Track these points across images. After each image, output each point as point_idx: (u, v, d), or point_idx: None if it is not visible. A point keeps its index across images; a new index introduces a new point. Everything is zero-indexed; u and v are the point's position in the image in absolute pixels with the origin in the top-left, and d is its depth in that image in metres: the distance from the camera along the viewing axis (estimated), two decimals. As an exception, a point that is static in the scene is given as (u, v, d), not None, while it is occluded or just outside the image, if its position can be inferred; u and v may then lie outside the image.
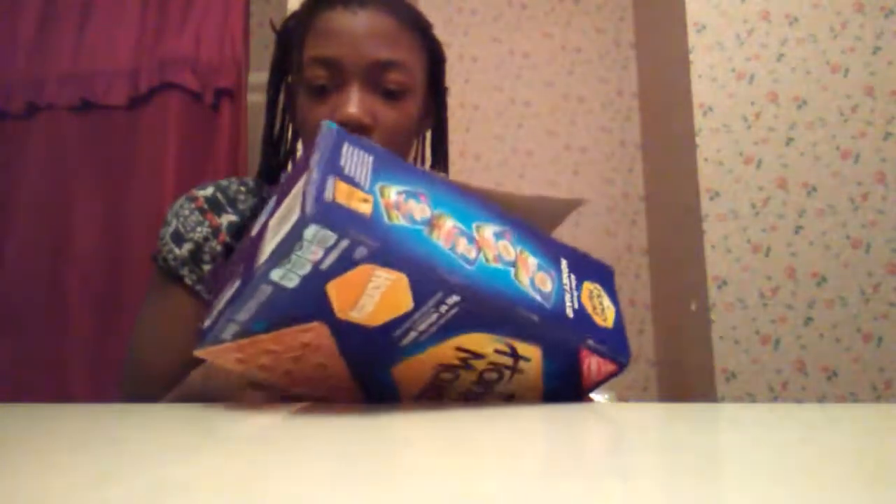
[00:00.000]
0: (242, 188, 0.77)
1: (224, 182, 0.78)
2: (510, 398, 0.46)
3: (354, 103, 0.66)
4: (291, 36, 0.73)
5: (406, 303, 0.39)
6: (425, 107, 0.77)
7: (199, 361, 0.73)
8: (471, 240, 0.41)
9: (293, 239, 0.35)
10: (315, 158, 0.38)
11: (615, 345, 0.45)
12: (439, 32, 2.78)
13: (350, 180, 0.38)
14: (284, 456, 0.23)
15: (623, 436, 0.28)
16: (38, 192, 1.72)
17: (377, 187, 0.39)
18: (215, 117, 1.73)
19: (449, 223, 0.41)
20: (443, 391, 0.45)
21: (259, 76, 1.88)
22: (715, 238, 1.96)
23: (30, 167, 1.73)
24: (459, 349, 0.42)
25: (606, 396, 2.19)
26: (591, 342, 0.44)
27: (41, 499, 0.16)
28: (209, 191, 0.76)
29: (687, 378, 2.19)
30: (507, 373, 0.44)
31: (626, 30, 2.79)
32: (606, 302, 0.47)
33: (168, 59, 1.74)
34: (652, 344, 2.57)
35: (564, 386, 0.45)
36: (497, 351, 0.42)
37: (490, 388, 0.45)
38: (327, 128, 0.41)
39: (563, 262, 0.47)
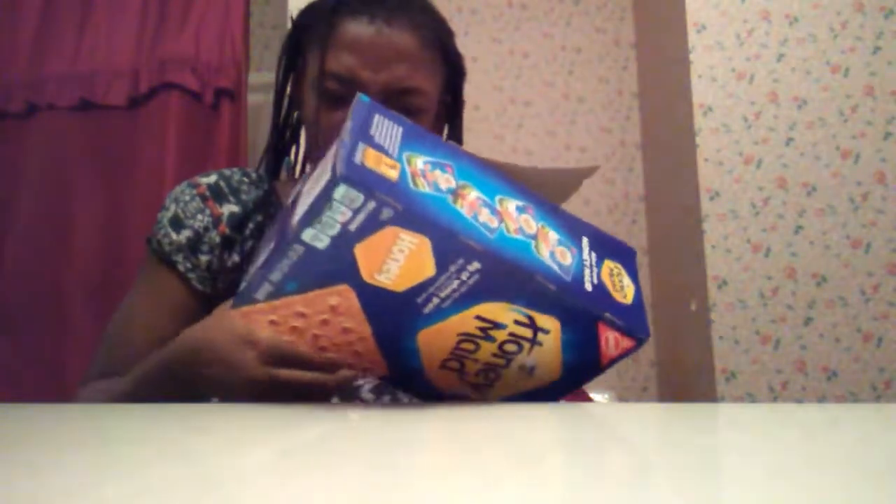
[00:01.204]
0: (246, 179, 0.76)
1: (227, 171, 0.77)
2: (531, 371, 0.46)
3: None
4: (310, 34, 0.72)
5: (429, 268, 0.40)
6: (437, 119, 0.77)
7: None
8: (493, 211, 0.42)
9: (324, 199, 0.38)
10: (347, 127, 0.40)
11: (634, 321, 0.45)
12: (439, 32, 2.77)
13: (379, 147, 0.40)
14: (283, 456, 0.23)
15: (623, 436, 0.28)
16: (38, 192, 1.72)
17: (405, 156, 0.41)
18: (215, 117, 1.73)
19: (473, 194, 0.42)
20: (464, 362, 0.46)
21: (259, 76, 1.89)
22: (715, 238, 1.96)
23: (30, 167, 1.73)
24: (480, 318, 0.43)
25: (606, 396, 2.19)
26: (608, 315, 0.44)
27: (40, 499, 0.16)
28: (212, 178, 0.76)
29: (687, 378, 2.19)
30: (527, 345, 0.45)
31: (626, 30, 2.79)
32: (626, 281, 0.48)
33: (168, 59, 1.74)
34: (652, 344, 2.57)
35: (582, 360, 0.46)
36: (517, 322, 0.43)
37: (510, 359, 0.46)
38: (360, 100, 0.43)
39: (585, 240, 0.48)
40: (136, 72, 1.75)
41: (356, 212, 0.38)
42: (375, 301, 0.42)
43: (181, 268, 0.72)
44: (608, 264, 0.48)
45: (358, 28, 0.67)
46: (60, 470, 0.19)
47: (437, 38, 0.71)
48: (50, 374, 1.63)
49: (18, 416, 0.35)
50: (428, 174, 0.41)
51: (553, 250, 0.44)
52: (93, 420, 0.34)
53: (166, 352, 0.59)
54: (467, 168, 0.44)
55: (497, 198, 0.44)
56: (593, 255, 0.47)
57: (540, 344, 0.45)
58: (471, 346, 0.45)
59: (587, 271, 0.45)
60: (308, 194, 0.40)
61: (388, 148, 0.40)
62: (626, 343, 0.45)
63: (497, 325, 0.43)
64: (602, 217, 2.69)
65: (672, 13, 2.21)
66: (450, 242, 0.39)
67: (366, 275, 0.41)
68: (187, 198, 0.74)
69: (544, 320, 0.43)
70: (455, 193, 0.41)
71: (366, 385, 0.66)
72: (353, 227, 0.38)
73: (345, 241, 0.39)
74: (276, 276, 0.41)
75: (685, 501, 0.15)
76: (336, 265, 0.40)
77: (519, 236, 0.43)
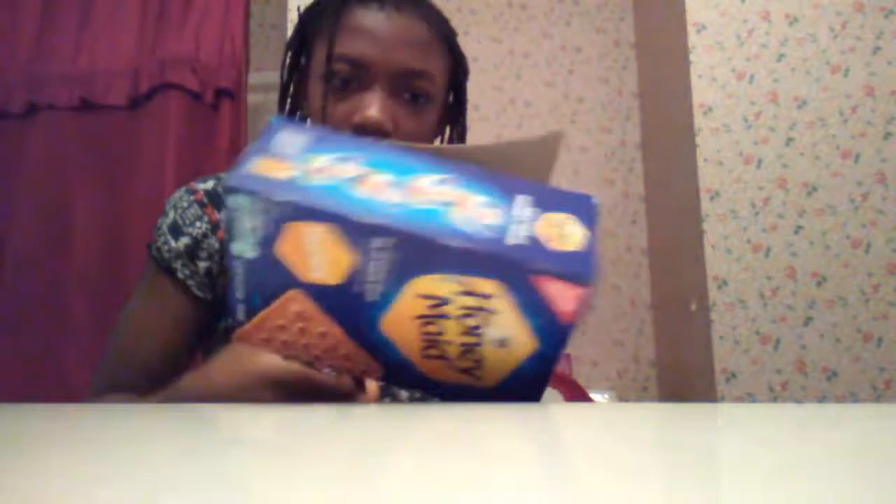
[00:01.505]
0: None
1: (225, 175, 0.77)
2: (504, 343, 0.45)
3: (378, 107, 0.66)
4: (317, 26, 0.72)
5: (346, 255, 0.41)
6: (442, 117, 0.77)
7: (179, 356, 0.74)
8: (402, 188, 0.43)
9: (229, 212, 0.40)
10: (250, 147, 0.43)
11: (573, 266, 0.42)
12: (439, 32, 2.78)
13: (276, 155, 0.43)
14: (284, 457, 0.23)
15: (623, 436, 0.28)
16: (38, 191, 1.72)
17: (304, 157, 0.43)
18: (215, 117, 1.73)
19: (380, 178, 0.43)
20: (441, 347, 0.45)
21: (259, 76, 1.89)
22: (715, 238, 1.96)
23: (30, 167, 1.73)
24: (422, 297, 0.43)
25: (606, 396, 2.19)
26: (538, 265, 0.41)
27: (40, 499, 0.16)
28: (209, 184, 0.76)
29: (687, 378, 2.19)
30: (482, 314, 0.43)
31: (626, 30, 2.79)
32: (574, 228, 0.45)
33: (168, 59, 1.75)
34: (652, 344, 2.57)
35: (547, 321, 0.44)
36: (458, 293, 0.43)
37: (479, 335, 0.45)
38: (269, 121, 0.45)
39: (521, 198, 0.45)
40: (136, 72, 1.75)
41: (256, 216, 0.40)
42: (326, 299, 0.43)
43: (180, 275, 0.72)
44: (550, 217, 0.45)
45: (367, 13, 0.68)
46: (60, 470, 0.19)
47: (444, 31, 0.72)
48: (50, 374, 1.63)
49: (18, 416, 0.35)
50: (328, 169, 0.42)
51: (472, 214, 0.43)
52: (93, 420, 0.34)
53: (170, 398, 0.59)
54: (383, 158, 0.44)
55: (410, 177, 0.44)
56: (529, 210, 0.45)
57: (493, 311, 0.43)
58: (434, 329, 0.44)
59: (514, 227, 0.43)
60: None
61: (286, 155, 0.43)
62: (574, 291, 0.42)
63: (441, 300, 0.43)
64: (602, 217, 2.69)
65: (672, 13, 2.21)
66: (347, 224, 0.40)
67: (301, 275, 0.42)
68: (185, 204, 0.74)
69: (481, 284, 0.42)
70: (356, 180, 0.42)
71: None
72: (262, 231, 0.41)
73: (265, 246, 0.41)
74: (240, 293, 0.44)
75: (685, 501, 0.15)
76: (273, 271, 0.42)
77: (426, 206, 0.42)
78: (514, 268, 0.42)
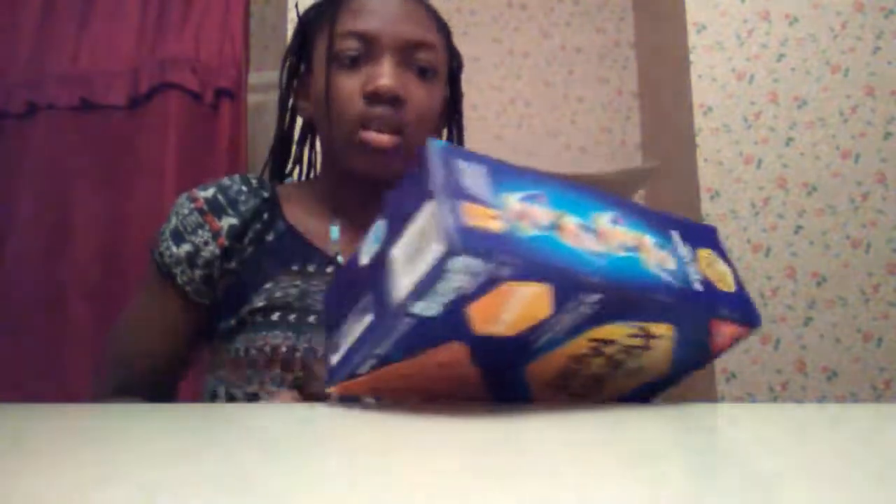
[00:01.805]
0: (244, 188, 0.76)
1: (226, 181, 0.77)
2: (637, 373, 0.45)
3: (389, 75, 0.68)
4: (319, 21, 0.75)
5: (546, 310, 0.38)
6: (443, 111, 0.78)
7: (181, 358, 0.74)
8: (594, 233, 0.41)
9: (436, 272, 0.35)
10: (435, 182, 0.37)
11: (744, 309, 0.44)
12: (439, 32, 2.77)
13: (475, 199, 0.37)
14: (285, 457, 0.23)
15: (623, 436, 0.28)
16: (38, 192, 1.72)
17: (500, 199, 0.38)
18: (215, 117, 1.73)
19: (571, 221, 0.40)
20: (569, 379, 0.45)
21: (259, 76, 1.88)
22: (715, 238, 1.96)
23: (30, 167, 1.73)
24: (593, 339, 0.41)
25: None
26: (723, 312, 0.43)
27: (40, 499, 0.16)
28: (210, 192, 0.76)
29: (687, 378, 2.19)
30: (637, 352, 0.43)
31: (626, 30, 2.79)
32: (721, 266, 0.46)
33: (168, 59, 1.74)
34: (652, 344, 2.57)
35: (692, 356, 0.45)
36: (629, 335, 0.42)
37: (618, 367, 0.44)
38: (434, 147, 0.39)
39: (674, 234, 0.46)
40: (136, 72, 1.75)
41: (472, 276, 0.35)
42: (485, 347, 0.40)
43: (179, 280, 0.73)
44: (702, 254, 0.46)
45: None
46: (60, 470, 0.19)
47: (441, 20, 0.76)
48: (50, 374, 1.63)
49: (18, 416, 0.35)
50: (527, 212, 0.39)
51: (654, 259, 0.42)
52: (93, 420, 0.34)
53: None
54: (553, 191, 0.41)
55: (592, 216, 0.42)
56: (687, 248, 0.45)
57: (651, 349, 0.43)
58: (578, 366, 0.43)
59: (690, 269, 0.44)
60: (410, 261, 0.37)
61: (482, 196, 0.38)
62: (739, 332, 0.44)
63: (609, 342, 0.42)
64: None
65: (672, 13, 2.20)
66: (568, 282, 0.37)
67: (478, 328, 0.38)
68: (186, 211, 0.74)
69: (658, 328, 0.42)
70: (557, 227, 0.39)
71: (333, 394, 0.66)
72: (468, 290, 0.36)
73: (458, 305, 0.37)
74: (381, 350, 0.39)
75: (684, 502, 0.15)
76: (447, 328, 0.38)
77: (625, 254, 0.41)
78: (701, 314, 0.42)
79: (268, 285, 0.70)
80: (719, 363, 1.90)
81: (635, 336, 0.42)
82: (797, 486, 0.16)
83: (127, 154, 1.73)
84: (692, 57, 2.04)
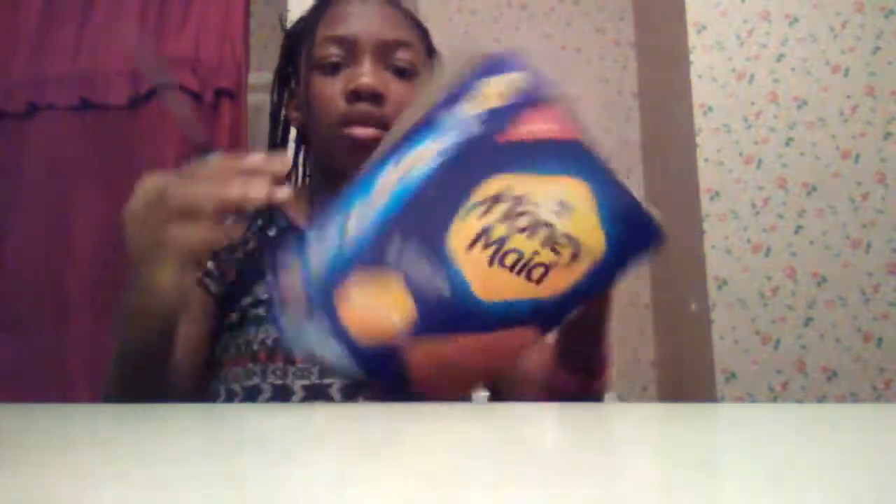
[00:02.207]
0: None
1: None
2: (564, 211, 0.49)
3: (369, 73, 0.71)
4: (303, 28, 0.77)
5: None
6: None
7: (200, 351, 0.74)
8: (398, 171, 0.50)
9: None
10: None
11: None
12: (439, 32, 2.77)
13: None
14: (285, 457, 0.23)
15: (623, 436, 0.28)
16: (38, 192, 1.72)
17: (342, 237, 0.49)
18: (215, 117, 1.73)
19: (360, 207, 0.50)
20: (498, 245, 0.48)
21: (259, 76, 1.88)
22: (715, 238, 1.96)
23: (30, 167, 1.73)
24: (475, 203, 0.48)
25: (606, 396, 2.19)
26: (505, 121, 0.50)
27: (40, 499, 0.16)
28: None
29: (687, 378, 2.19)
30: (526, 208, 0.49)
31: (626, 30, 2.79)
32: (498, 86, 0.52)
33: (168, 59, 1.74)
34: (652, 344, 2.57)
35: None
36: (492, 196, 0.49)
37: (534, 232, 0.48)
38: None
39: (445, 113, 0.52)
40: (136, 72, 1.74)
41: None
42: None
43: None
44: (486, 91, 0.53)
45: (348, 2, 0.74)
46: (60, 470, 0.19)
47: (419, 24, 0.79)
48: (50, 374, 1.63)
49: (18, 416, 0.35)
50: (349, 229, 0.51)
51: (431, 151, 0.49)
52: (93, 420, 0.34)
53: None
54: (365, 183, 0.51)
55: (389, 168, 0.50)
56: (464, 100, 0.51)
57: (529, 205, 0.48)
58: (492, 239, 0.48)
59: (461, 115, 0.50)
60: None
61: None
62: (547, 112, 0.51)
63: (493, 198, 0.48)
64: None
65: (672, 13, 2.21)
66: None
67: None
68: None
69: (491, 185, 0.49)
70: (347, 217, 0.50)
71: (335, 385, 0.67)
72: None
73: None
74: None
75: (684, 502, 0.15)
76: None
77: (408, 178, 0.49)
78: (488, 131, 0.49)
79: (269, 277, 0.70)
80: (719, 363, 1.90)
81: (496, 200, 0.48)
82: (797, 486, 0.16)
83: (127, 154, 1.73)
84: (692, 57, 2.04)
